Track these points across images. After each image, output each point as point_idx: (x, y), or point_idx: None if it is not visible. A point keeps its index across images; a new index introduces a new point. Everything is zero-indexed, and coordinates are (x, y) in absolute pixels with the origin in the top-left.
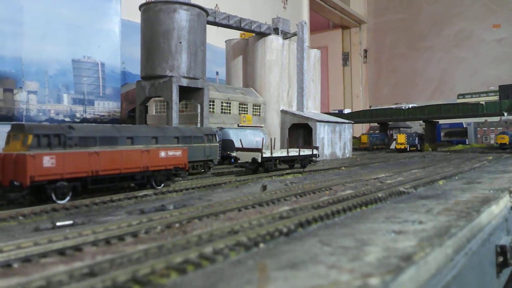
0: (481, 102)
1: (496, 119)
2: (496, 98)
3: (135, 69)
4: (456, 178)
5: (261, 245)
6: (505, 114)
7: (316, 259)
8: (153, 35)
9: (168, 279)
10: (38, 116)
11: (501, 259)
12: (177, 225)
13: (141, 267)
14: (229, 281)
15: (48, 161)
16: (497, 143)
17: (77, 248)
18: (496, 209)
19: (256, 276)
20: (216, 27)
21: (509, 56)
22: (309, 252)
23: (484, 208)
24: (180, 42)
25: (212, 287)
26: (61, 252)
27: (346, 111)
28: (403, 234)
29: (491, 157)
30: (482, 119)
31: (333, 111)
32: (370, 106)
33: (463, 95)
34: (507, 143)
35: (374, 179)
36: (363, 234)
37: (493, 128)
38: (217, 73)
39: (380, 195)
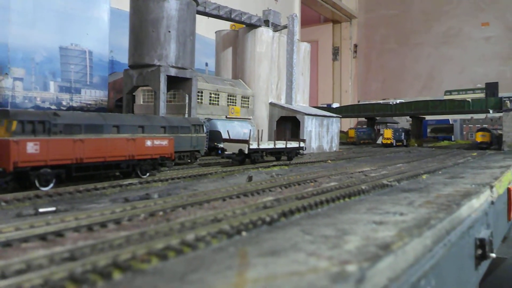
0: (467, 99)
1: (482, 116)
2: (482, 95)
3: (124, 58)
4: (440, 172)
5: (244, 233)
6: (491, 111)
7: (296, 247)
8: (142, 23)
9: (149, 265)
10: (24, 103)
11: (479, 251)
12: (160, 213)
13: (122, 252)
14: (210, 267)
15: (32, 147)
16: (476, 142)
17: (59, 234)
18: (476, 203)
19: (237, 262)
20: (206, 17)
21: (497, 54)
22: (290, 240)
23: (465, 202)
24: (169, 31)
25: (192, 272)
26: (42, 237)
27: (335, 105)
28: (383, 224)
29: (475, 153)
30: (468, 116)
31: (321, 105)
32: (359, 101)
33: (450, 92)
34: (489, 142)
35: (359, 172)
36: (345, 224)
37: (479, 125)
38: (206, 64)
39: (363, 187)
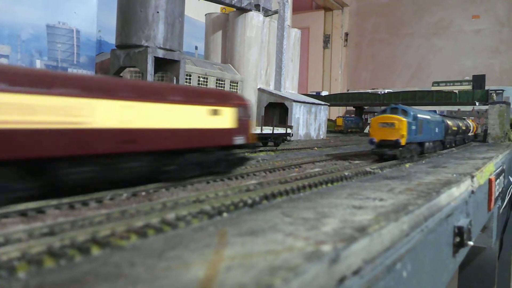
0: (454, 91)
1: (469, 108)
2: (469, 87)
3: (112, 39)
4: (423, 162)
5: (225, 214)
6: (477, 103)
7: (275, 228)
8: (129, 2)
9: (127, 241)
10: None
11: (458, 239)
12: (143, 193)
13: (101, 229)
14: (188, 244)
15: None
16: (372, 141)
17: (40, 211)
18: (456, 192)
19: (215, 240)
20: None
21: (486, 47)
22: (270, 222)
23: (444, 190)
24: (158, 12)
25: (171, 249)
26: (23, 213)
27: (324, 93)
28: (362, 209)
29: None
30: (455, 108)
31: (311, 93)
32: (348, 90)
33: (437, 83)
34: (402, 143)
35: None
36: (325, 207)
37: (466, 118)
38: (196, 47)
39: (346, 173)
